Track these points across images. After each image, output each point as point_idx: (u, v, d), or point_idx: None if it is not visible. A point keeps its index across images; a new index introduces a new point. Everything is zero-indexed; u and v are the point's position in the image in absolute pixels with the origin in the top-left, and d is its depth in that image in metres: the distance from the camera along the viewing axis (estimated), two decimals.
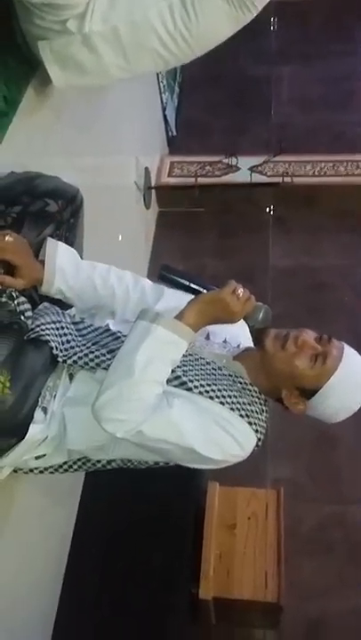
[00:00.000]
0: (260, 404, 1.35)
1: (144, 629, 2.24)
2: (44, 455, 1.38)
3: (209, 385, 1.31)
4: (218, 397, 1.30)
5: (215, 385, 1.32)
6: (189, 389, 1.30)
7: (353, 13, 5.20)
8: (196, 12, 1.84)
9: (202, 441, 1.26)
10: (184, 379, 1.31)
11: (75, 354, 1.32)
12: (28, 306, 1.36)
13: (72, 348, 1.33)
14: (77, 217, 1.57)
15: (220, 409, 1.29)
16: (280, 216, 3.76)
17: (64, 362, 1.32)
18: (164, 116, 4.11)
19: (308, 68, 4.86)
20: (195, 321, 1.26)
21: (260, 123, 4.46)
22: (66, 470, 1.45)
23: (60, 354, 1.31)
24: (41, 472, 1.46)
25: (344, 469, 2.97)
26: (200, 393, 1.30)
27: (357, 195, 3.82)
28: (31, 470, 1.45)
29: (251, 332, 1.45)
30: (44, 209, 1.48)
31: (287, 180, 3.73)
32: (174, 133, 4.29)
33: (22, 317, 1.32)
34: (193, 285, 1.35)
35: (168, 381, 1.28)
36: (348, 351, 1.33)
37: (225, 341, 1.47)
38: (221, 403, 1.30)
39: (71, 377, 1.37)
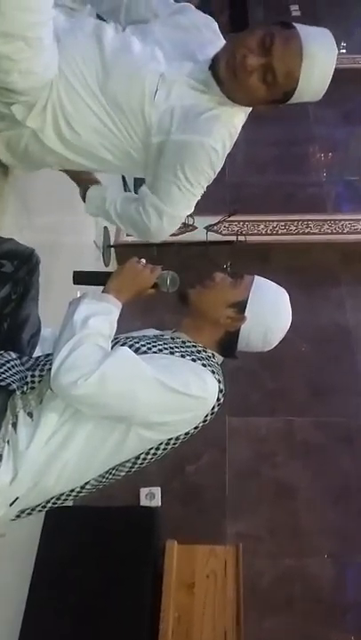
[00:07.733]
0: (210, 357, 1.43)
1: None
2: (17, 498, 1.37)
3: (160, 345, 1.39)
4: (170, 351, 1.38)
5: (166, 345, 1.41)
6: (144, 352, 1.36)
7: None
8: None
9: (162, 372, 1.30)
10: (136, 345, 1.38)
11: (26, 383, 1.38)
12: None
13: (22, 379, 1.38)
14: (33, 274, 1.62)
15: (173, 358, 1.37)
16: (236, 272, 3.87)
17: (23, 393, 1.36)
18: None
19: (261, 133, 5.11)
20: (116, 292, 1.41)
21: (216, 183, 4.64)
22: (42, 508, 1.44)
23: (18, 388, 1.35)
24: (17, 516, 1.44)
25: (302, 522, 2.98)
26: (154, 352, 1.37)
27: (307, 252, 3.99)
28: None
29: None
30: (0, 270, 1.54)
31: (241, 238, 3.87)
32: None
33: None
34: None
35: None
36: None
37: None
38: (173, 354, 1.38)
39: (30, 415, 1.38)
